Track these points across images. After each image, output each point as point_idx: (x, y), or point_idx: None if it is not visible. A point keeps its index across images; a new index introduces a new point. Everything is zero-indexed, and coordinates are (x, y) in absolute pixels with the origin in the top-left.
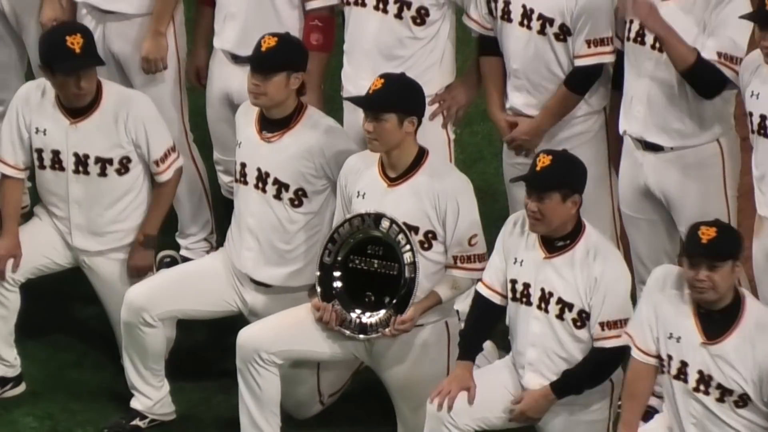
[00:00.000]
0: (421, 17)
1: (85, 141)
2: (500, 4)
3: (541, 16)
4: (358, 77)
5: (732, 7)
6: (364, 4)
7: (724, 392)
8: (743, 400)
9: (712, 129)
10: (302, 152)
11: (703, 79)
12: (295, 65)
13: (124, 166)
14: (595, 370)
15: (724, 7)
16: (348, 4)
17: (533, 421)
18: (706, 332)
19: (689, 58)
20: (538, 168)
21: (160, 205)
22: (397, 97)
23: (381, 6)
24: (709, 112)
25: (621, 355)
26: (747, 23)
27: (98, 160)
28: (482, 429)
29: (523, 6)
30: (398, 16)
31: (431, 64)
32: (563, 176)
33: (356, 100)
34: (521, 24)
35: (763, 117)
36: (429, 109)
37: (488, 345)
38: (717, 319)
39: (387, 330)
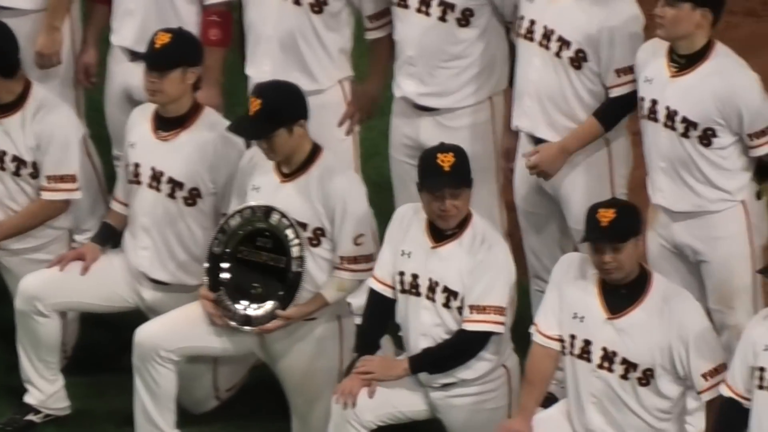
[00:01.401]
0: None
1: (5, 138)
2: None
3: (442, 2)
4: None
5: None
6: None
7: (629, 367)
8: (646, 377)
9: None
10: (198, 152)
11: (622, 115)
12: (191, 60)
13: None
14: (454, 352)
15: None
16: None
17: (390, 379)
18: (610, 308)
19: (598, 131)
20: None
21: (21, 218)
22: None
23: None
24: (582, 105)
25: (482, 341)
26: (636, 38)
27: (14, 158)
28: (386, 424)
29: None
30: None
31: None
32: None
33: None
34: (419, 11)
35: (653, 101)
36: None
37: (384, 339)
38: (622, 295)
39: (270, 324)
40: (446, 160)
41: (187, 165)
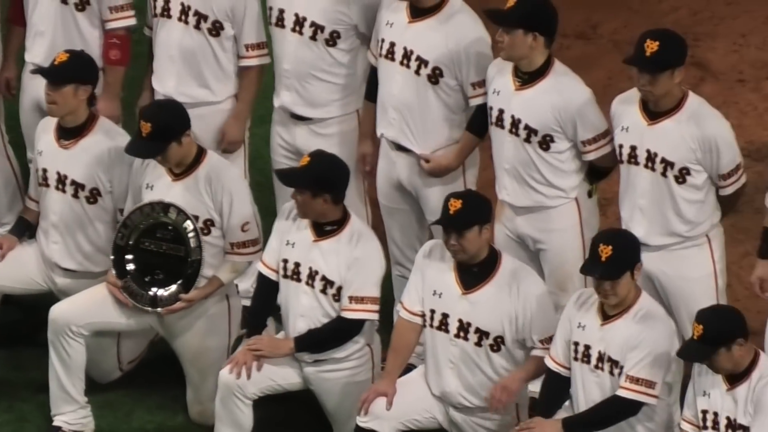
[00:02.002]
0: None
1: None
2: (275, 12)
3: (313, 24)
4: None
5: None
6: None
7: (482, 336)
8: (497, 344)
9: (451, 133)
10: (95, 156)
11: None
12: (83, 79)
13: None
14: (334, 336)
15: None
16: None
17: (276, 356)
18: (465, 284)
19: (474, 142)
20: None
21: None
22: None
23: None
24: (456, 120)
25: (359, 327)
26: (483, 56)
27: None
28: (266, 395)
29: (296, 15)
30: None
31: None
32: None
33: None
34: (293, 30)
35: (501, 111)
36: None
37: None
38: (475, 273)
39: (174, 305)
40: (303, 161)
41: (86, 168)
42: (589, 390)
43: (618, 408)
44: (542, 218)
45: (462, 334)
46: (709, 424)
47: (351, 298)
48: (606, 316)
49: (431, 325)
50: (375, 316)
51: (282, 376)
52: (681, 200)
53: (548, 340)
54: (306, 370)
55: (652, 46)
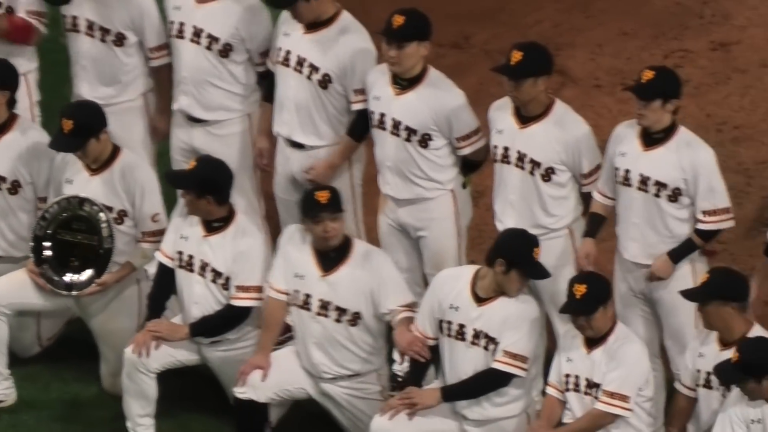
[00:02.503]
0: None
1: None
2: (176, 25)
3: (209, 36)
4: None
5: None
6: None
7: (341, 313)
8: (355, 320)
9: (339, 132)
10: (15, 151)
11: (367, 125)
12: (4, 84)
13: None
14: (225, 321)
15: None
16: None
17: (174, 339)
18: (323, 267)
19: (353, 145)
20: None
21: None
22: None
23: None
24: (343, 121)
25: (247, 313)
26: (368, 65)
27: None
28: (166, 369)
29: (194, 27)
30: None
31: None
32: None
33: None
34: (191, 41)
35: (382, 114)
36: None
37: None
38: (332, 257)
39: (88, 289)
40: (190, 165)
41: (7, 163)
42: (460, 362)
43: (493, 379)
44: (422, 209)
45: (323, 312)
46: (571, 386)
47: (238, 288)
48: (479, 299)
49: (296, 304)
50: (260, 303)
51: (181, 353)
52: (546, 196)
53: (403, 307)
54: (203, 350)
55: (516, 56)
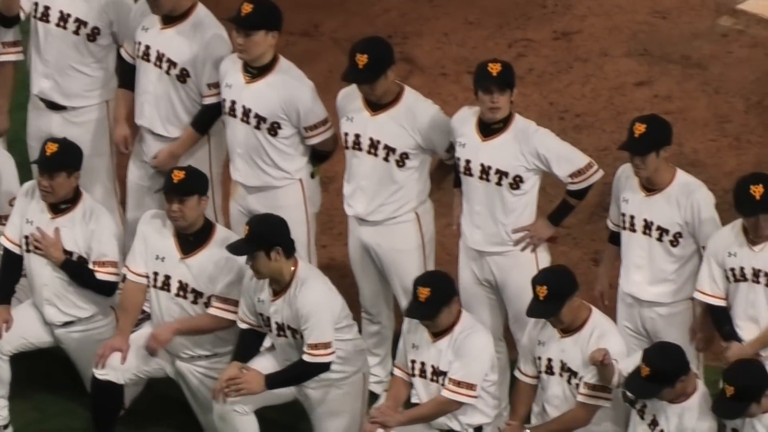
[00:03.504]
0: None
1: None
2: (40, 8)
3: (77, 20)
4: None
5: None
6: None
7: (197, 295)
8: (209, 300)
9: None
10: None
11: (213, 117)
12: None
13: None
14: (88, 286)
15: None
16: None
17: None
18: (183, 250)
19: (195, 136)
20: None
21: None
22: None
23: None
24: (189, 109)
25: (109, 286)
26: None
27: None
28: (20, 351)
29: (60, 11)
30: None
31: None
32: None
33: None
34: (57, 25)
35: (233, 102)
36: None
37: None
38: (192, 241)
39: None
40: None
41: None
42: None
43: (307, 369)
44: (270, 197)
45: (181, 293)
46: (417, 372)
47: (95, 263)
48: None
49: (155, 286)
50: (118, 278)
51: (33, 335)
52: (398, 181)
53: (224, 300)
54: (56, 332)
55: (362, 59)
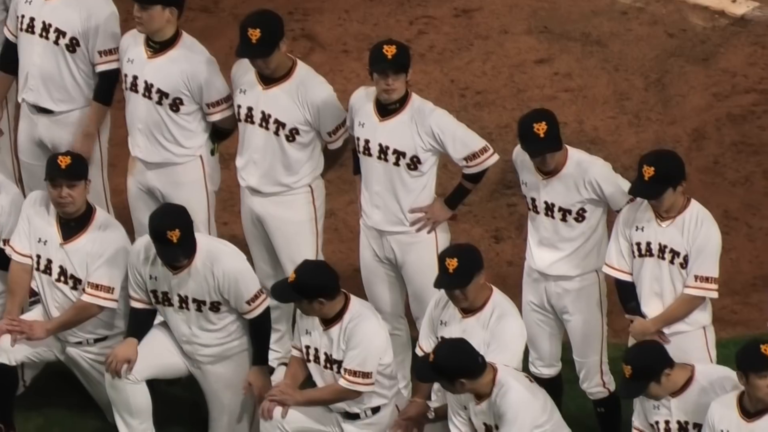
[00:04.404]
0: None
1: None
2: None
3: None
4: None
5: None
6: None
7: (76, 282)
8: (84, 288)
9: (87, 94)
10: None
11: (111, 85)
12: None
13: None
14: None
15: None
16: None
17: None
18: (64, 235)
19: (102, 110)
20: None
21: None
22: None
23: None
24: (92, 84)
25: (6, 262)
26: (114, 30)
27: None
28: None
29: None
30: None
31: None
32: None
33: None
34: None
35: (135, 77)
36: None
37: None
38: (73, 226)
39: None
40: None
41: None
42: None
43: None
44: (171, 173)
45: (62, 278)
46: (311, 358)
47: (5, 242)
48: None
49: (38, 269)
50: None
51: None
52: (289, 155)
53: (96, 286)
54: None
55: (254, 34)
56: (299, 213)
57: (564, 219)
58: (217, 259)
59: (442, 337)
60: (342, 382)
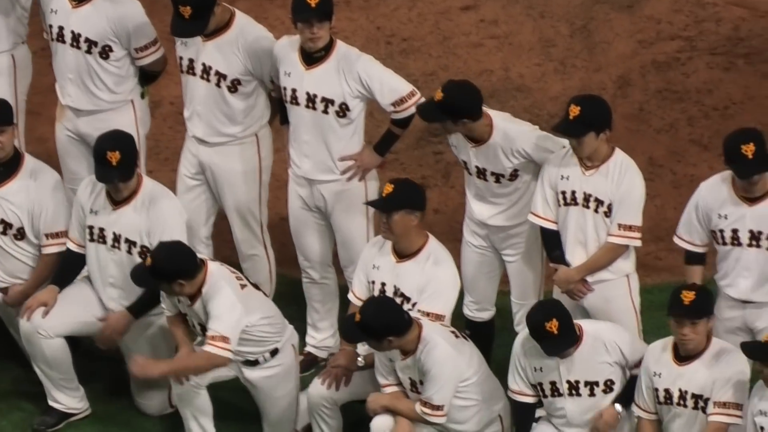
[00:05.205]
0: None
1: None
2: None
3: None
4: None
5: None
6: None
7: (6, 227)
8: (20, 234)
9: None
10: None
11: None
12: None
13: None
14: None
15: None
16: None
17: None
18: None
19: None
20: None
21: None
22: None
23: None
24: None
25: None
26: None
27: None
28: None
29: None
30: None
31: None
32: None
33: None
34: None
35: (61, 28)
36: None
37: None
38: (2, 171)
39: None
40: None
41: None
42: None
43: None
44: (102, 119)
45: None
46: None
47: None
48: None
49: None
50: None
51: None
52: (232, 105)
53: (55, 235)
54: None
55: (186, 11)
56: (244, 163)
57: (498, 181)
58: (155, 201)
59: (373, 282)
60: (207, 347)
